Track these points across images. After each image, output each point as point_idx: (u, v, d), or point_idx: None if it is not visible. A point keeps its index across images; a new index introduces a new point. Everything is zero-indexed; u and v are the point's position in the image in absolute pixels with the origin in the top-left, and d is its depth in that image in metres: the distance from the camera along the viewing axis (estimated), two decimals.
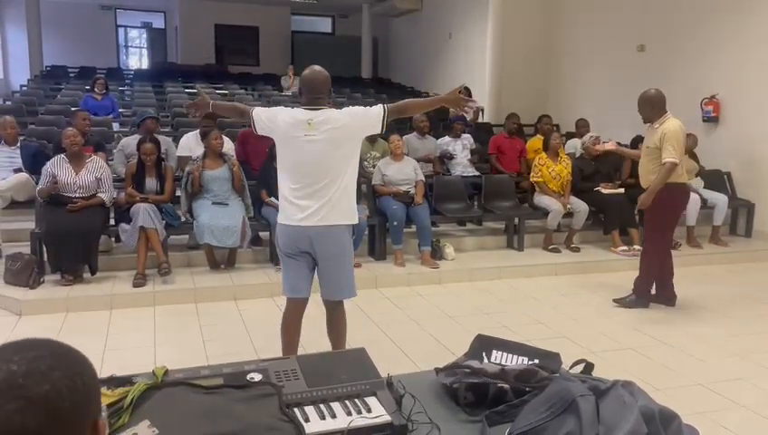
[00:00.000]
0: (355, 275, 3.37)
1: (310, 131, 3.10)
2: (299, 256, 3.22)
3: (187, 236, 5.98)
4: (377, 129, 3.26)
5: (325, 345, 3.51)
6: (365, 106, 3.34)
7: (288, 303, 3.36)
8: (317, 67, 3.27)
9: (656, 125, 4.98)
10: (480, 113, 10.94)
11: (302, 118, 3.13)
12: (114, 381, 1.53)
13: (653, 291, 5.24)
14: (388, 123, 3.24)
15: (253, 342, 4.30)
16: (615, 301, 5.25)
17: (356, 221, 3.26)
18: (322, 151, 3.10)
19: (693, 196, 7.13)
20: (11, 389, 0.75)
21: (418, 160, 6.91)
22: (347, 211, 3.18)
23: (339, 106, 3.33)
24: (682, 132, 4.91)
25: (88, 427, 0.82)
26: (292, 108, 3.26)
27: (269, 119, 3.22)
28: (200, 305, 5.07)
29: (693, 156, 7.55)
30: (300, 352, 3.65)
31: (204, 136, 6.33)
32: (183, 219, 5.73)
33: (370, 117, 3.19)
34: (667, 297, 5.24)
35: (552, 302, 5.37)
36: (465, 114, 7.61)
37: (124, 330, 4.55)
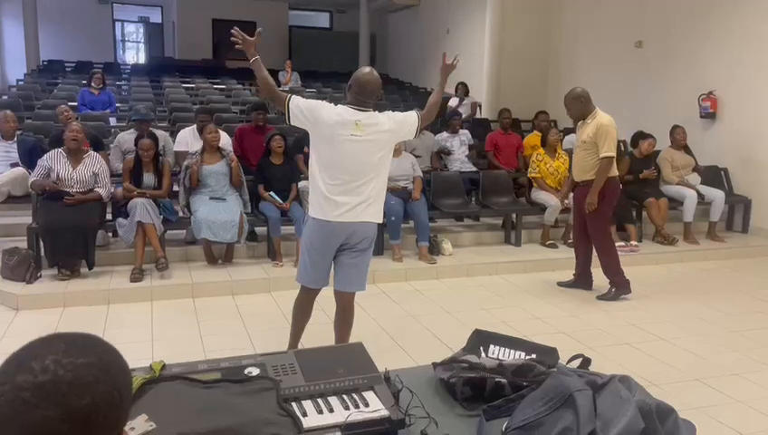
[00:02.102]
0: None
1: (356, 132, 3.14)
2: (328, 253, 3.31)
3: (184, 232, 5.98)
4: (412, 135, 3.40)
5: (324, 340, 3.52)
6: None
7: (303, 290, 3.47)
8: (368, 69, 3.30)
9: (588, 120, 5.15)
10: (478, 109, 10.94)
11: (350, 118, 3.15)
12: None
13: (588, 279, 5.52)
14: (420, 129, 3.38)
15: (250, 336, 4.30)
16: (599, 298, 5.31)
17: (381, 220, 3.35)
18: (364, 152, 3.16)
19: (690, 192, 7.17)
20: (55, 395, 0.77)
21: (411, 152, 6.91)
22: (378, 210, 3.29)
23: (336, 101, 3.33)
24: (614, 127, 5.08)
25: None
26: (335, 104, 3.26)
27: (309, 111, 3.19)
28: (198, 300, 5.07)
29: (688, 151, 7.56)
30: (298, 346, 3.68)
31: (201, 131, 6.33)
32: (181, 214, 5.73)
33: (408, 123, 3.31)
34: (587, 282, 5.51)
35: (549, 297, 5.38)
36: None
37: (121, 325, 4.55)
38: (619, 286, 5.29)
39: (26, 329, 4.33)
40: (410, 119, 3.32)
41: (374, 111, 3.25)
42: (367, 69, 3.29)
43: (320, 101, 3.31)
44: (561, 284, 5.64)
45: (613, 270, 5.29)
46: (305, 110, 3.18)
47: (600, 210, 5.15)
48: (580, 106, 5.18)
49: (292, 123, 3.24)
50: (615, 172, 5.20)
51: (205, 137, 5.70)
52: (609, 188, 5.14)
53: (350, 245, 3.28)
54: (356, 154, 3.15)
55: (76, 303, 4.87)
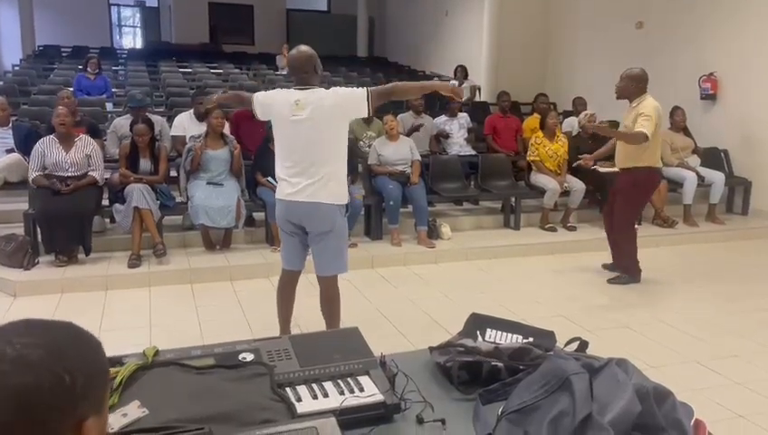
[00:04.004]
0: (347, 252, 3.46)
1: (297, 112, 3.19)
2: (293, 232, 3.39)
3: (181, 217, 5.96)
4: (362, 112, 3.28)
5: (321, 325, 3.51)
6: (361, 85, 3.34)
7: (282, 272, 3.58)
8: (302, 47, 3.35)
9: (633, 104, 5.02)
10: (477, 92, 10.87)
11: (291, 99, 3.22)
12: None
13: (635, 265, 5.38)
14: (374, 106, 3.25)
15: (249, 322, 4.30)
16: (609, 281, 5.30)
17: (344, 202, 3.32)
18: (309, 131, 3.18)
19: (689, 174, 7.14)
20: None
21: (409, 133, 6.88)
22: (335, 191, 3.26)
23: (333, 85, 3.31)
24: (657, 112, 4.91)
25: (69, 428, 0.79)
26: (289, 89, 3.34)
27: (267, 103, 3.35)
28: (196, 286, 5.06)
29: (687, 133, 7.52)
30: (295, 330, 3.68)
31: (200, 116, 6.29)
32: (180, 199, 5.70)
33: (354, 99, 3.21)
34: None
35: (548, 280, 5.37)
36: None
37: (119, 311, 4.55)
38: (632, 274, 5.27)
39: (24, 315, 4.27)
40: (357, 94, 3.20)
41: (319, 87, 3.25)
42: (301, 47, 3.33)
43: (278, 89, 3.44)
44: (605, 266, 5.52)
45: (627, 256, 5.27)
46: (263, 102, 3.36)
47: (632, 197, 5.14)
48: (631, 86, 4.99)
49: (260, 118, 3.43)
50: (655, 162, 5.04)
51: (210, 121, 5.66)
52: (644, 175, 5.04)
53: (311, 229, 3.31)
54: (301, 134, 3.19)
55: (74, 289, 4.86)
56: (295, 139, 3.21)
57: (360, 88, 3.26)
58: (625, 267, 5.30)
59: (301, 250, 3.46)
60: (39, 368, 0.76)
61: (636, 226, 5.38)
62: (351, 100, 3.21)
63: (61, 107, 5.55)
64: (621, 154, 5.15)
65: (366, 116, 3.53)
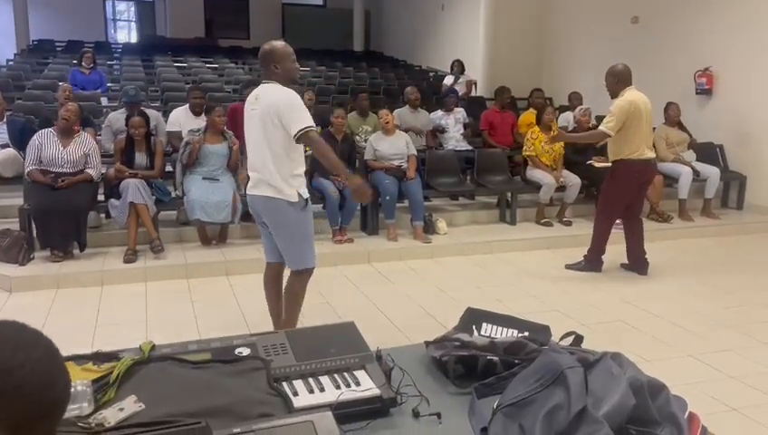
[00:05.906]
0: (311, 247, 3.42)
1: (254, 106, 3.27)
2: (263, 224, 3.46)
3: (176, 212, 5.95)
4: (291, 131, 3.16)
5: (319, 320, 3.52)
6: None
7: (265, 266, 3.64)
8: (272, 42, 3.35)
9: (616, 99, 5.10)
10: (473, 87, 10.86)
11: (253, 93, 3.31)
12: (100, 357, 1.52)
13: (627, 260, 5.48)
14: (301, 142, 3.22)
15: (245, 317, 4.30)
16: (567, 266, 5.48)
17: (294, 200, 3.25)
18: (257, 125, 3.24)
19: (685, 169, 7.16)
20: None
21: (407, 131, 6.87)
22: (282, 188, 3.24)
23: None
24: (631, 107, 4.94)
25: None
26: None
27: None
28: (192, 281, 5.06)
29: (682, 127, 7.54)
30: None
31: (198, 111, 6.28)
32: (177, 193, 5.70)
33: (289, 117, 3.14)
34: (638, 265, 5.40)
35: (543, 275, 5.38)
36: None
37: (115, 306, 4.54)
38: (591, 263, 5.41)
39: (19, 311, 4.31)
40: (294, 117, 3.12)
41: (275, 83, 3.25)
42: (272, 42, 3.35)
43: None
44: (624, 266, 5.51)
45: (596, 248, 5.39)
46: None
47: (608, 190, 5.26)
48: (610, 83, 5.10)
49: None
50: (632, 154, 4.99)
51: (213, 119, 5.64)
52: (621, 168, 5.08)
53: (267, 221, 3.37)
54: (253, 127, 3.27)
55: (69, 284, 4.85)
56: (248, 132, 3.32)
57: (305, 120, 3.15)
58: (589, 256, 5.42)
59: (268, 243, 3.50)
60: None
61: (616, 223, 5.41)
62: (286, 114, 3.13)
63: (71, 103, 5.56)
64: (609, 149, 5.28)
65: (292, 135, 3.22)
